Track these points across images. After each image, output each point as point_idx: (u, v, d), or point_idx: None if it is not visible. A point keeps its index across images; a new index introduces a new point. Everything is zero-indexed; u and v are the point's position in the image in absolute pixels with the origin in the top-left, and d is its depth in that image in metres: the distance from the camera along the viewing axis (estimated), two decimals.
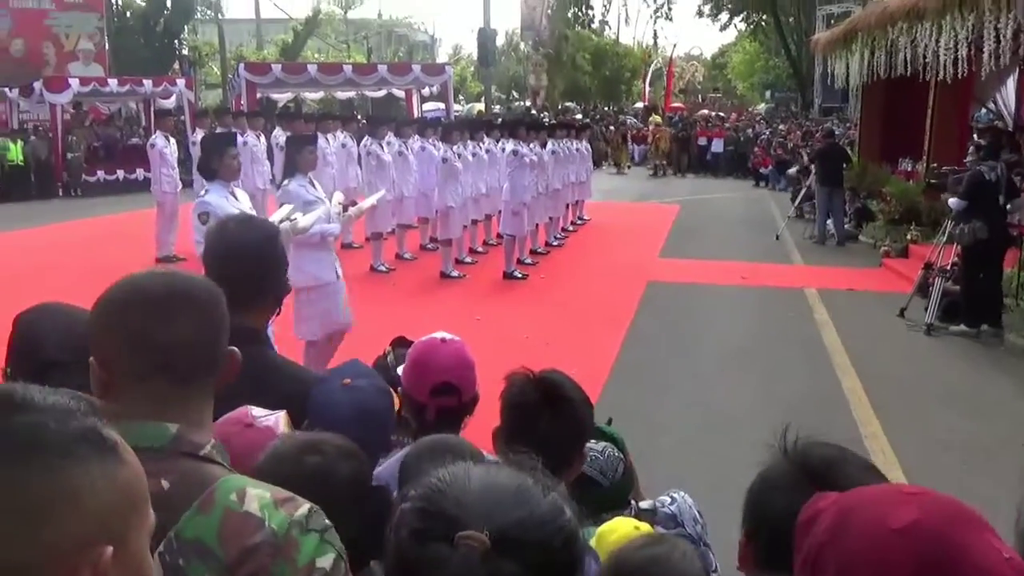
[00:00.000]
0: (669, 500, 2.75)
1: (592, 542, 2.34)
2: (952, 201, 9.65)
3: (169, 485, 1.38)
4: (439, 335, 2.64)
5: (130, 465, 0.99)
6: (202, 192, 5.69)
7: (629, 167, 32.64)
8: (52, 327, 2.13)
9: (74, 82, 23.94)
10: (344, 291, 6.50)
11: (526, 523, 0.99)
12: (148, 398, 1.45)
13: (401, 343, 3.02)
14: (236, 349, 1.58)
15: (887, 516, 1.15)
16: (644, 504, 2.72)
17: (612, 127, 35.21)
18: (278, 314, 2.93)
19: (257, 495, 1.38)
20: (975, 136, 16.18)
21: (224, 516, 1.35)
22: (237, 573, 1.31)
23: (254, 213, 5.70)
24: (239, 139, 9.08)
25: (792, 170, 22.73)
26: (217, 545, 1.33)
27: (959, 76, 12.32)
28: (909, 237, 13.80)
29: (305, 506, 1.40)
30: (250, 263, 2.70)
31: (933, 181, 10.37)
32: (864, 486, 1.29)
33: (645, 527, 2.40)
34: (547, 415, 2.21)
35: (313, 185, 6.89)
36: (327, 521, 1.38)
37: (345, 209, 6.72)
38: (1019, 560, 1.10)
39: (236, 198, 5.64)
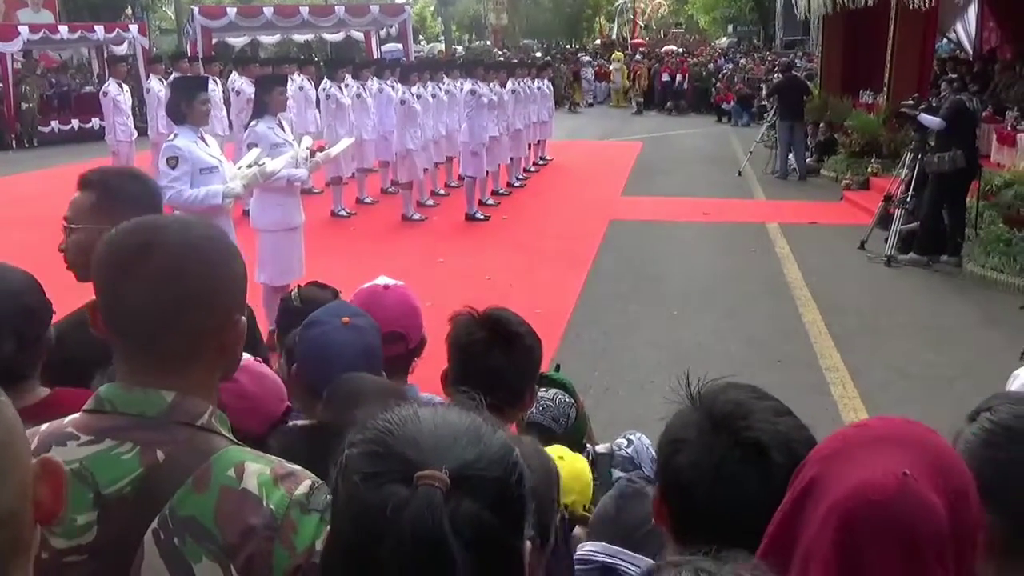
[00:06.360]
0: (626, 443, 2.74)
1: None
2: (929, 119, 9.41)
3: (164, 456, 1.30)
4: (381, 281, 2.56)
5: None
6: (171, 136, 5.59)
7: (589, 104, 32.41)
8: None
9: (23, 29, 23.13)
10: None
11: (482, 460, 0.97)
12: (146, 359, 1.35)
13: (313, 284, 3.00)
14: (243, 317, 1.44)
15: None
16: (601, 448, 2.71)
17: (563, 64, 34.07)
18: None
19: (256, 471, 1.31)
20: (937, 71, 16.15)
21: (221, 495, 1.28)
22: (237, 556, 1.26)
23: (223, 158, 5.60)
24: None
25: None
26: (214, 526, 1.26)
27: (921, 5, 12.29)
28: (870, 170, 13.84)
29: (306, 482, 1.33)
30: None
31: (904, 111, 10.22)
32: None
33: (570, 455, 2.38)
34: (496, 351, 2.18)
35: (282, 127, 6.81)
36: (329, 498, 1.28)
37: (312, 154, 6.63)
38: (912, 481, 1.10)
39: (205, 143, 5.55)
